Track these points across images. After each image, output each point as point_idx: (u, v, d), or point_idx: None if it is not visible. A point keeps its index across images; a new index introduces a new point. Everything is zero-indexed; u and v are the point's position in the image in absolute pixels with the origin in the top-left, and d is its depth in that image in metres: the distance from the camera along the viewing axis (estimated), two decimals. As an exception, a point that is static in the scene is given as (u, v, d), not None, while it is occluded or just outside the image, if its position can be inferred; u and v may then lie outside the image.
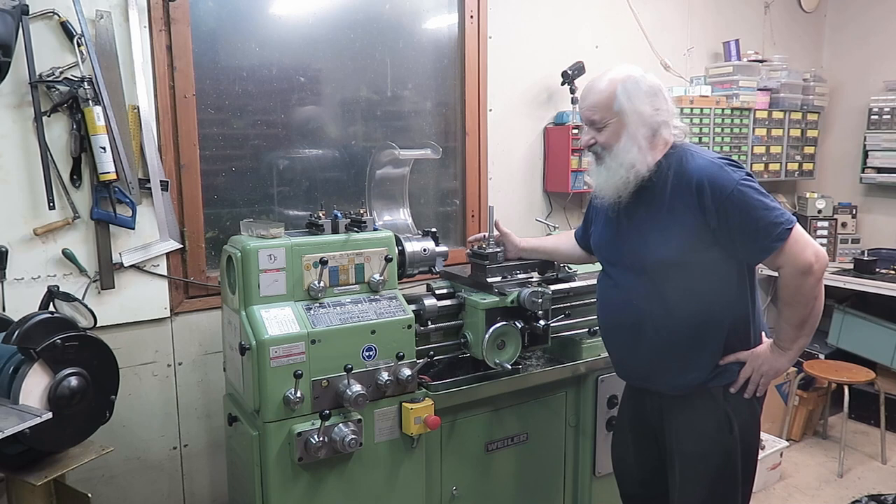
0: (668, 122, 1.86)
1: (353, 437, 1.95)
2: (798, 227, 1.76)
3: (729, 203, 1.73)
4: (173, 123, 2.39)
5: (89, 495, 1.82)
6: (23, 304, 2.05)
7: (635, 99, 1.83)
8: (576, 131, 3.23)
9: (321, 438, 1.92)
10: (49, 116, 2.12)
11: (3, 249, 2.09)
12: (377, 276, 2.11)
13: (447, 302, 2.30)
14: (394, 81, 2.95)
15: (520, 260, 2.37)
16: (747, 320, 1.91)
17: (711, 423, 1.90)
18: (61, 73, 2.12)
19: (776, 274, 1.84)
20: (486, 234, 2.33)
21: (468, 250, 2.39)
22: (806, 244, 1.76)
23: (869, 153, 4.23)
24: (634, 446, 2.14)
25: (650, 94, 1.84)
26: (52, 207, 2.12)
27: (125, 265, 2.30)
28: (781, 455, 3.39)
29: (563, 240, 2.43)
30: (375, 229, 2.17)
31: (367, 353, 2.03)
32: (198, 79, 2.44)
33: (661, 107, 1.85)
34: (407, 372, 2.06)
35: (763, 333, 1.96)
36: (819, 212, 4.27)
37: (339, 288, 2.08)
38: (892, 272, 3.92)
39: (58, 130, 2.15)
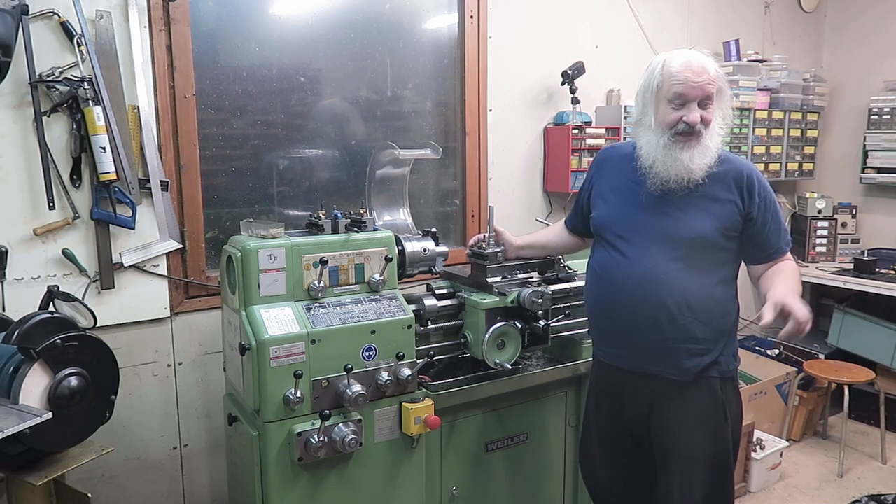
0: None
1: (353, 437, 1.95)
2: None
3: (768, 199, 1.93)
4: (173, 123, 2.39)
5: (89, 495, 1.82)
6: (23, 304, 2.05)
7: (726, 83, 1.93)
8: (576, 131, 3.23)
9: (321, 438, 1.92)
10: (49, 116, 2.12)
11: (3, 249, 2.09)
12: (377, 276, 2.11)
13: (447, 302, 2.30)
14: (394, 81, 2.95)
15: (519, 260, 2.37)
16: (738, 317, 2.03)
17: (711, 413, 1.94)
18: (61, 73, 2.12)
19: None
20: (486, 235, 2.33)
21: (468, 251, 2.39)
22: None
23: (869, 153, 4.23)
24: (606, 457, 2.12)
25: None
26: (52, 207, 2.12)
27: (125, 265, 2.30)
28: (781, 455, 3.39)
29: (554, 232, 2.43)
30: (375, 229, 2.17)
31: (367, 353, 2.03)
32: (198, 79, 2.44)
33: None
34: (407, 372, 2.06)
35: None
36: (819, 212, 4.27)
37: (339, 288, 2.08)
38: (892, 272, 3.92)
39: (58, 130, 2.15)
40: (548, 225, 2.80)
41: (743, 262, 2.00)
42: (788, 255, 1.99)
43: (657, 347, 1.91)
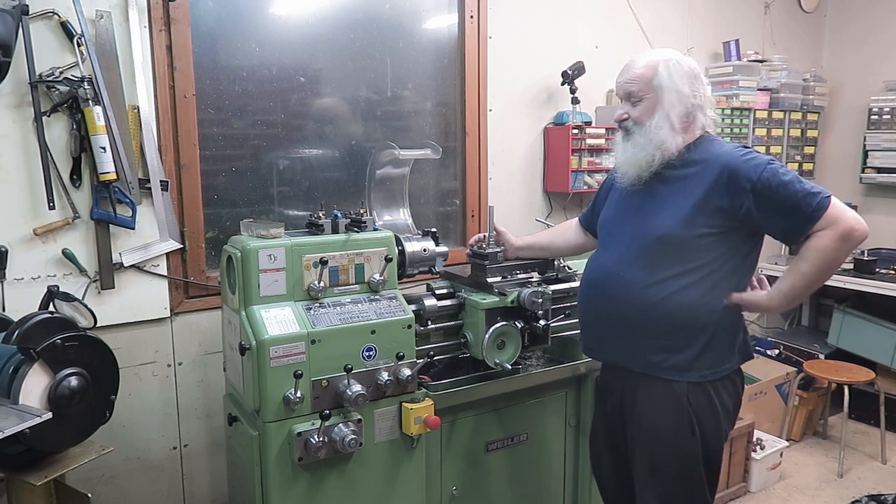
0: (705, 107, 1.89)
1: (353, 437, 1.95)
2: (836, 198, 1.76)
3: (763, 181, 1.74)
4: (173, 123, 2.39)
5: (89, 495, 1.82)
6: (23, 304, 2.05)
7: (676, 77, 1.85)
8: (576, 131, 3.23)
9: (321, 438, 1.92)
10: (49, 116, 2.12)
11: (3, 249, 2.09)
12: (377, 276, 2.11)
13: (447, 302, 2.30)
14: (394, 81, 2.95)
15: (519, 260, 2.37)
16: (732, 326, 1.89)
17: (672, 423, 1.88)
18: (61, 73, 2.12)
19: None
20: (486, 234, 2.33)
21: (468, 251, 2.39)
22: (846, 210, 1.75)
23: (869, 153, 4.23)
24: (606, 452, 2.14)
25: (690, 76, 1.87)
26: (52, 207, 2.12)
27: (125, 265, 2.30)
28: (781, 455, 3.39)
29: (558, 231, 2.44)
30: (375, 229, 2.17)
31: (367, 353, 2.03)
32: (198, 79, 2.44)
33: (700, 91, 1.88)
34: (407, 372, 2.06)
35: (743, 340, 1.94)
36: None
37: (339, 288, 2.08)
38: (892, 272, 3.92)
39: (58, 130, 2.15)
40: (548, 225, 2.80)
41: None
42: (826, 218, 1.71)
43: (621, 341, 1.95)
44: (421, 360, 2.19)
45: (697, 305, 1.84)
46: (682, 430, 1.87)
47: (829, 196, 1.74)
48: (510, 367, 2.22)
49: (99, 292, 2.28)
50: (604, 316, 1.98)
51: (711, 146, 1.87)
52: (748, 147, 1.89)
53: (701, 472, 1.90)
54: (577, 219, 2.40)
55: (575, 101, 3.24)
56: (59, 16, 2.11)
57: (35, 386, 1.67)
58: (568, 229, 2.41)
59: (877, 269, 3.92)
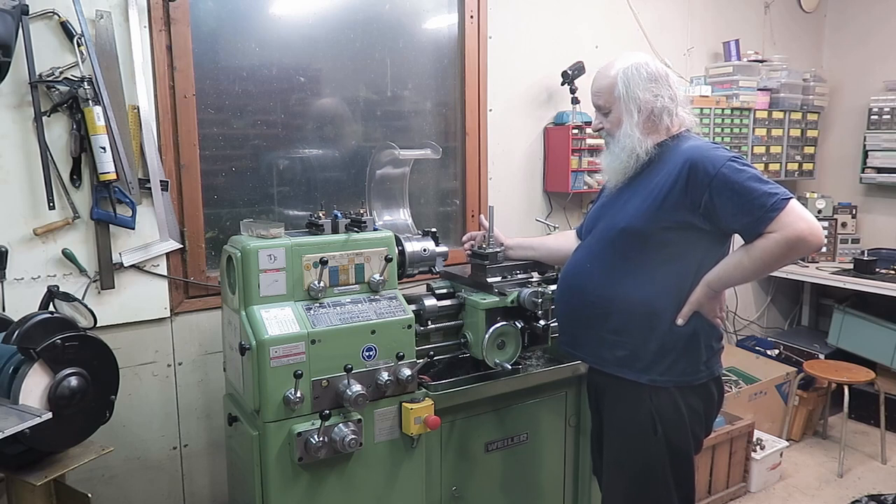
0: (671, 108, 1.89)
1: (353, 437, 1.95)
2: (796, 202, 1.69)
3: (721, 177, 1.71)
4: (173, 123, 2.39)
5: (89, 495, 1.83)
6: (23, 304, 2.05)
7: (633, 85, 1.87)
8: (576, 131, 3.23)
9: (321, 438, 1.92)
10: (49, 116, 2.12)
11: (3, 249, 2.09)
12: (377, 276, 2.11)
13: (447, 302, 2.30)
14: (394, 81, 2.95)
15: (519, 260, 2.37)
16: (705, 336, 1.86)
17: (633, 421, 1.88)
18: (61, 73, 2.12)
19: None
20: (485, 234, 2.33)
21: (468, 251, 2.38)
22: (801, 217, 1.67)
23: (869, 153, 4.23)
24: (597, 451, 2.14)
25: (651, 79, 1.88)
26: (52, 207, 2.12)
27: (125, 265, 2.30)
28: (781, 455, 3.39)
29: (553, 236, 2.45)
30: (375, 229, 2.17)
31: (367, 353, 2.03)
32: (198, 79, 2.44)
33: (662, 93, 1.88)
34: (407, 372, 2.06)
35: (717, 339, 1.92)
36: (819, 212, 4.26)
37: (339, 288, 2.08)
38: (892, 272, 3.92)
39: (58, 130, 2.15)
40: (548, 225, 2.80)
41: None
42: (778, 222, 1.66)
43: (581, 334, 1.97)
44: (421, 360, 2.19)
45: (654, 303, 1.83)
46: (644, 430, 1.86)
47: (787, 199, 1.67)
48: (510, 367, 2.22)
49: (99, 292, 2.28)
50: (571, 309, 2.01)
51: (682, 143, 1.86)
52: (718, 144, 1.89)
53: (666, 471, 1.88)
54: (575, 229, 2.39)
55: (575, 101, 3.24)
56: (59, 16, 2.11)
57: (35, 386, 1.67)
58: (563, 234, 2.41)
59: (877, 269, 3.91)
